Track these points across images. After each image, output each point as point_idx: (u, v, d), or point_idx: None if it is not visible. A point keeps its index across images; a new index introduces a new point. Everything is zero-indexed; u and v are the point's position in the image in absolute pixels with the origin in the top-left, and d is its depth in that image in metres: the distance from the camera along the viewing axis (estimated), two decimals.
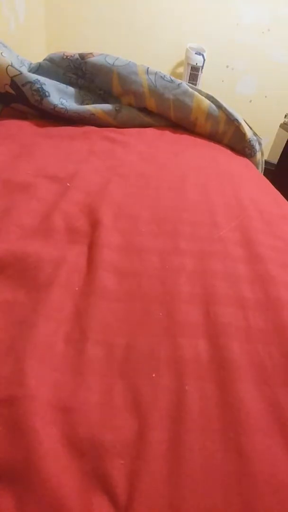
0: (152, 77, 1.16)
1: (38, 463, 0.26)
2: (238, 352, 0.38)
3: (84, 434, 0.29)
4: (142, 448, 0.29)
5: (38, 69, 1.17)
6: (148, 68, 1.17)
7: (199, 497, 0.27)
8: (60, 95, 1.09)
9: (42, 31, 1.97)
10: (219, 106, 1.18)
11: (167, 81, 1.17)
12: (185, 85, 1.18)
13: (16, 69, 0.99)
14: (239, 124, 1.17)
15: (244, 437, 0.30)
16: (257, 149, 1.23)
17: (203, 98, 1.18)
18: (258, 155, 1.25)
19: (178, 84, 1.17)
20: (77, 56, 1.16)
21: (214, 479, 0.28)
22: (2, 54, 1.00)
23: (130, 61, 1.17)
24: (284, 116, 1.97)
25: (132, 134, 1.06)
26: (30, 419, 0.29)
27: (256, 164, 1.25)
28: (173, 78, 1.19)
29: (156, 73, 1.17)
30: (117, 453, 0.28)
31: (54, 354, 0.35)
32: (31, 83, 1.01)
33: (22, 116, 1.09)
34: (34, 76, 1.02)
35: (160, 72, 1.19)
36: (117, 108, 1.14)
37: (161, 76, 1.17)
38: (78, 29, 2.00)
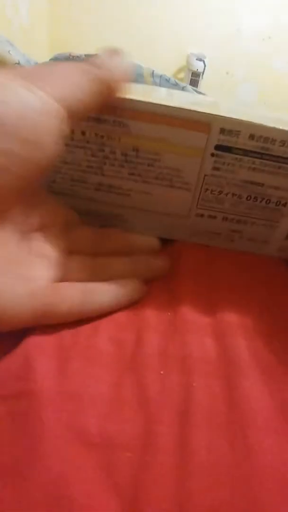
0: (157, 79, 1.17)
1: (43, 450, 0.26)
2: (244, 349, 0.38)
3: (91, 424, 0.28)
4: (149, 442, 0.28)
5: None
6: (153, 70, 1.18)
7: (205, 491, 0.26)
8: None
9: (45, 33, 1.98)
10: None
11: (171, 84, 1.18)
12: (190, 88, 1.19)
13: None
14: None
15: (251, 433, 0.30)
16: None
17: None
18: None
19: (183, 87, 1.18)
20: (83, 56, 1.16)
21: (221, 474, 0.27)
22: (10, 52, 1.00)
23: (136, 63, 1.18)
24: None
25: None
26: (38, 409, 0.28)
27: None
28: (177, 81, 1.20)
29: (161, 76, 1.18)
30: (125, 445, 0.28)
31: (63, 347, 0.35)
32: None
33: None
34: None
35: (164, 75, 1.19)
36: None
37: (166, 79, 1.18)
38: (80, 34, 2.02)
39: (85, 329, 0.37)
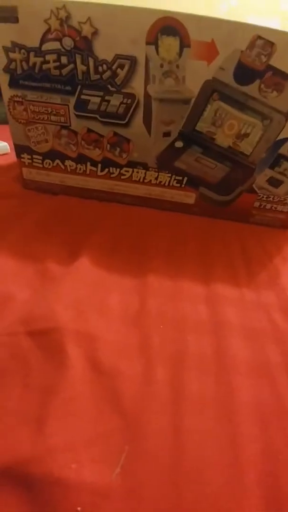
0: None
1: (66, 374, 0.32)
2: (232, 314, 0.44)
3: (104, 358, 0.35)
4: (149, 377, 0.34)
5: None
6: None
7: (195, 417, 0.31)
8: None
9: None
10: None
11: None
12: None
13: None
14: None
15: (234, 376, 0.35)
16: None
17: None
18: None
19: None
20: None
21: (208, 407, 0.32)
22: None
23: None
24: None
25: None
26: (61, 343, 0.35)
27: None
28: None
29: None
30: (129, 376, 0.34)
31: (80, 300, 0.42)
32: None
33: None
34: None
35: None
36: None
37: None
38: None
39: (99, 291, 0.45)
